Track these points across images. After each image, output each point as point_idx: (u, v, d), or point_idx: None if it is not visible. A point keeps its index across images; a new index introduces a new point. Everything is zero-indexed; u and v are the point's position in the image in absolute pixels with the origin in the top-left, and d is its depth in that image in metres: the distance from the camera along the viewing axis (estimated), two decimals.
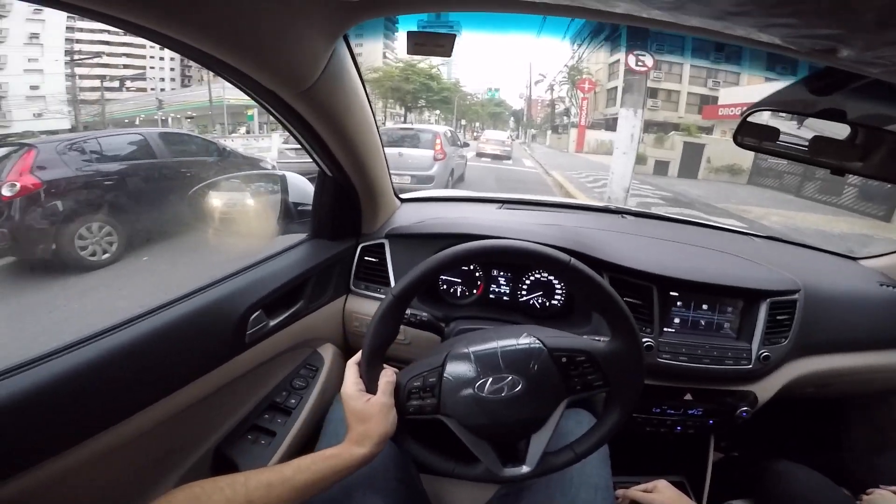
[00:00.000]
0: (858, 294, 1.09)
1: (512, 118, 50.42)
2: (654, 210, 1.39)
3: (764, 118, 0.74)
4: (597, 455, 0.76)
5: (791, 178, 10.16)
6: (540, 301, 1.01)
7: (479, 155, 13.82)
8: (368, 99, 0.78)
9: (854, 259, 1.28)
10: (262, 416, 0.84)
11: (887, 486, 0.85)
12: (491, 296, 1.03)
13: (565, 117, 30.39)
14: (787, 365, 0.97)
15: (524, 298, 1.02)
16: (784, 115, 0.76)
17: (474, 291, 1.03)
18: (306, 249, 0.96)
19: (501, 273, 1.02)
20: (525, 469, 0.57)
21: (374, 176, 0.94)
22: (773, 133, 0.72)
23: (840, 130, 0.67)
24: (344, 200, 0.97)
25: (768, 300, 0.93)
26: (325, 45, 0.56)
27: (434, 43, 0.60)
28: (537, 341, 0.58)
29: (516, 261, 0.96)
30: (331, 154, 0.80)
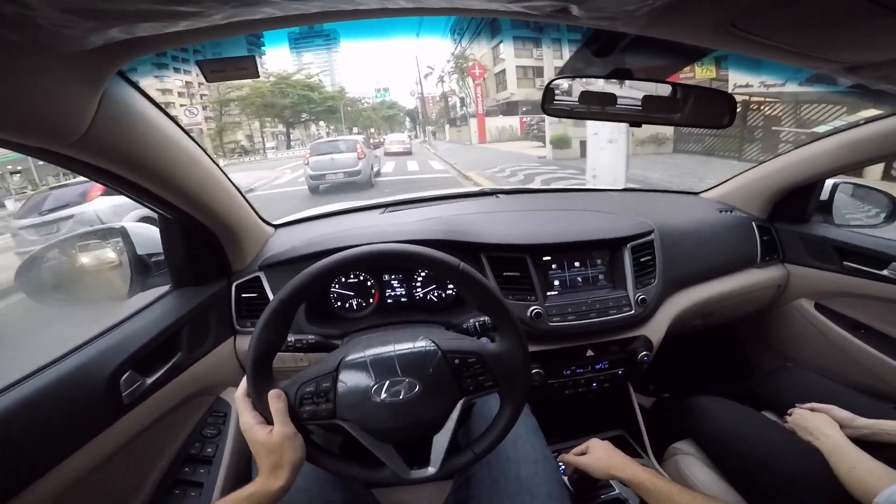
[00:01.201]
0: (704, 223, 1.28)
1: (407, 118, 50.48)
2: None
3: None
4: (525, 430, 0.83)
5: (712, 140, 10.05)
6: (436, 294, 1.07)
7: (387, 154, 18.96)
8: (185, 131, 0.75)
9: (696, 194, 1.51)
10: (182, 470, 0.85)
11: (802, 405, 0.92)
12: (389, 300, 1.06)
13: (462, 108, 30.24)
14: (666, 303, 1.11)
15: (420, 295, 1.07)
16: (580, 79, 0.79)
17: (371, 301, 1.06)
18: (171, 301, 0.92)
19: (393, 277, 1.06)
20: (430, 470, 0.60)
21: (223, 208, 0.90)
22: (611, 98, 0.76)
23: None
24: (198, 242, 0.93)
25: (629, 245, 1.06)
26: (88, 93, 0.52)
27: (235, 67, 0.60)
28: (432, 344, 0.62)
29: (408, 265, 1.01)
30: (154, 195, 0.75)
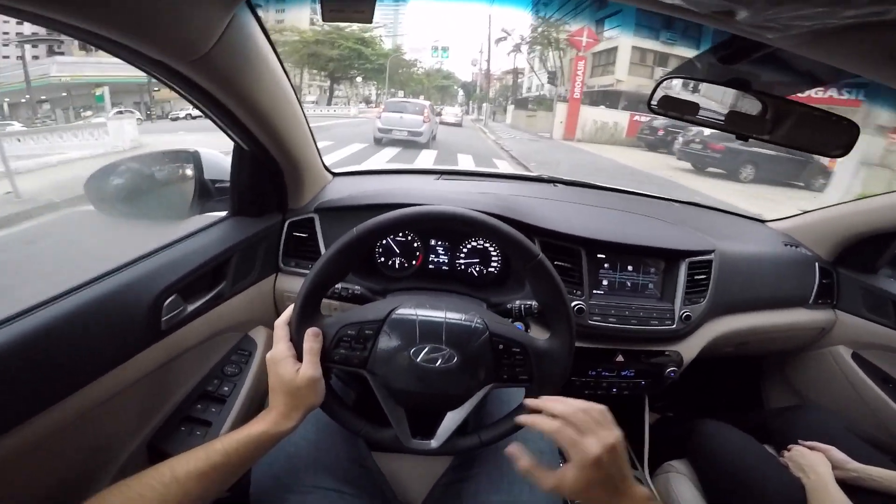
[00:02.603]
0: (765, 254, 1.28)
1: (461, 91, 48.58)
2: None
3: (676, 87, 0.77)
4: None
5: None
6: (477, 269, 1.10)
7: (441, 123, 18.85)
8: (285, 70, 0.80)
9: (763, 221, 1.50)
10: (195, 407, 0.86)
11: (804, 441, 0.98)
12: (430, 266, 1.10)
13: (538, 89, 25.84)
14: (707, 325, 1.13)
15: (462, 267, 1.10)
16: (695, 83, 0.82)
17: (413, 262, 1.10)
18: (226, 227, 0.97)
19: (440, 242, 1.10)
20: (432, 444, 0.63)
21: (297, 148, 0.96)
22: (693, 107, 0.78)
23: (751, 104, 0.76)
24: (264, 175, 0.99)
25: (687, 260, 1.08)
26: (220, 14, 0.55)
27: (352, 9, 0.62)
28: (482, 322, 0.64)
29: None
30: (242, 126, 0.80)
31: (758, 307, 1.22)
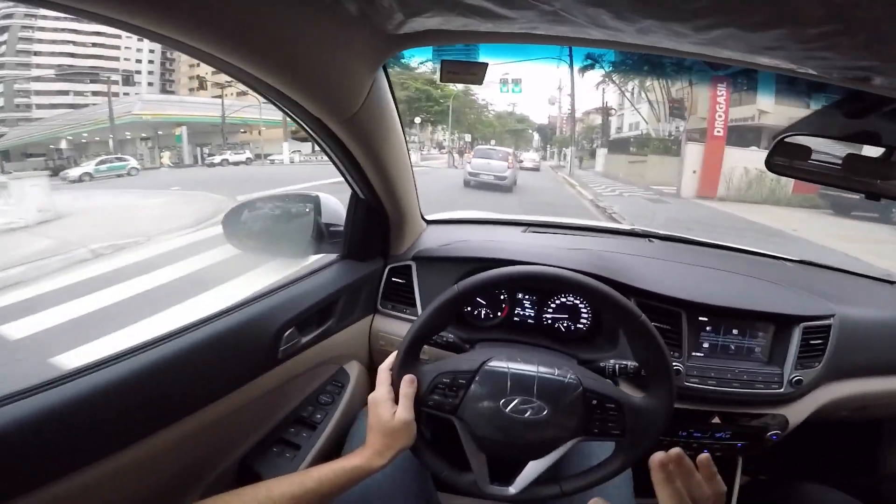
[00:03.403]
0: (894, 318, 1.16)
1: (537, 135, 46.27)
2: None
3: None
4: (620, 476, 0.82)
5: None
6: (565, 325, 1.11)
7: (521, 168, 18.15)
8: (402, 125, 0.92)
9: (891, 283, 1.35)
10: (289, 430, 0.94)
11: None
12: (515, 318, 1.13)
13: (634, 128, 21.39)
14: (820, 388, 1.05)
15: (549, 321, 1.12)
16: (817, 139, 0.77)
17: (499, 314, 1.13)
18: (338, 270, 1.10)
19: (527, 297, 1.13)
20: (511, 491, 0.65)
21: (404, 198, 1.08)
22: (806, 152, 0.77)
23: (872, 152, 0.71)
24: (374, 222, 1.11)
25: (801, 325, 1.01)
26: (368, 74, 0.64)
27: (467, 72, 0.72)
28: (575, 378, 0.66)
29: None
30: (365, 178, 0.93)
31: (884, 372, 1.12)
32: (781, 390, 0.98)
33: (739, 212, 10.40)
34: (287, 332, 0.87)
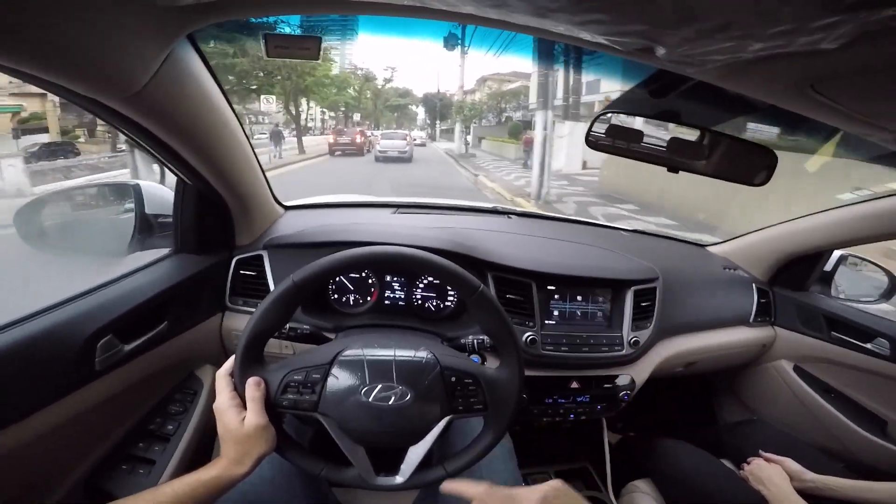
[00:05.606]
0: (705, 278, 1.40)
1: (422, 109, 43.12)
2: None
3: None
4: (501, 451, 0.89)
5: None
6: (434, 304, 1.13)
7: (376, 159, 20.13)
8: (230, 102, 0.82)
9: (703, 246, 1.63)
10: (137, 446, 0.87)
11: (762, 454, 1.06)
12: (386, 302, 1.12)
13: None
14: (654, 347, 1.20)
15: (419, 302, 1.12)
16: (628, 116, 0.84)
17: (368, 298, 1.11)
18: (168, 265, 0.97)
19: (395, 279, 1.12)
20: (398, 479, 0.65)
21: (244, 183, 0.98)
22: (637, 135, 0.82)
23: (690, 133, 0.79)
24: (210, 210, 0.99)
25: (633, 288, 1.15)
26: (155, 50, 0.57)
27: (298, 45, 0.66)
28: (432, 356, 0.66)
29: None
30: (183, 160, 0.81)
31: (701, 328, 1.32)
32: (623, 352, 1.10)
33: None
34: (103, 341, 0.75)
